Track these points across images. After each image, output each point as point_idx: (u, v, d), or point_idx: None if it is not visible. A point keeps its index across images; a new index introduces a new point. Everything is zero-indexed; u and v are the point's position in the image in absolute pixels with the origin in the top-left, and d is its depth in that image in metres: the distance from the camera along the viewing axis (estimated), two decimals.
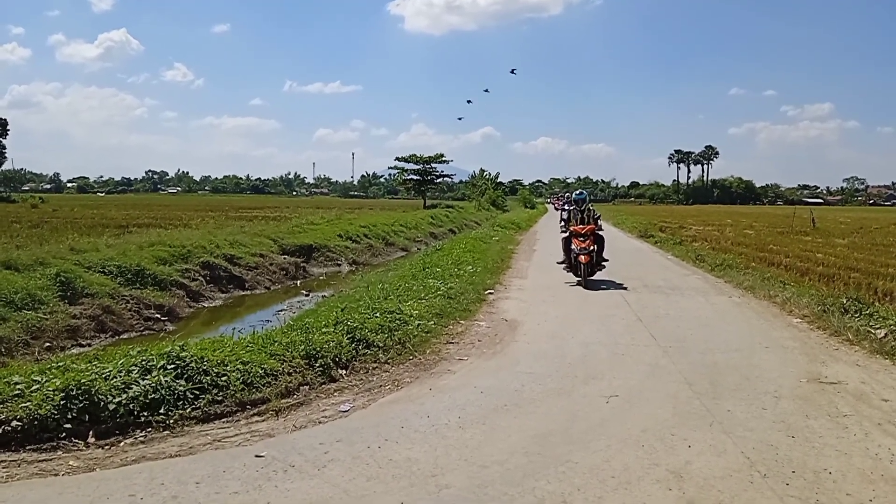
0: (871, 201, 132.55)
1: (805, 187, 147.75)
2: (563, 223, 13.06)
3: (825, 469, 4.14)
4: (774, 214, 53.70)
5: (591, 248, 12.13)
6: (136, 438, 4.70)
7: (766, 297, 10.61)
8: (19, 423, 4.49)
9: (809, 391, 5.77)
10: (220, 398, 5.27)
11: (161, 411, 4.94)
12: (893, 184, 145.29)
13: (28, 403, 4.61)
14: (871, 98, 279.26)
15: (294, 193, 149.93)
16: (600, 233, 12.56)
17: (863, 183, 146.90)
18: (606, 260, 12.65)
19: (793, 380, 6.11)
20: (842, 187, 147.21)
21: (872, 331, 7.61)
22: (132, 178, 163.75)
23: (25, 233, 19.65)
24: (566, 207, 22.48)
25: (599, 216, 12.67)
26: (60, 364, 5.40)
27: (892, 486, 3.90)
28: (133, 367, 5.25)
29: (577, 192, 13.30)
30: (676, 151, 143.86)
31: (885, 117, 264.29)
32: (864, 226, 34.53)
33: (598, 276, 12.40)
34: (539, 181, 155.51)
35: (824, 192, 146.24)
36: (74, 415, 4.66)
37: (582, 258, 11.97)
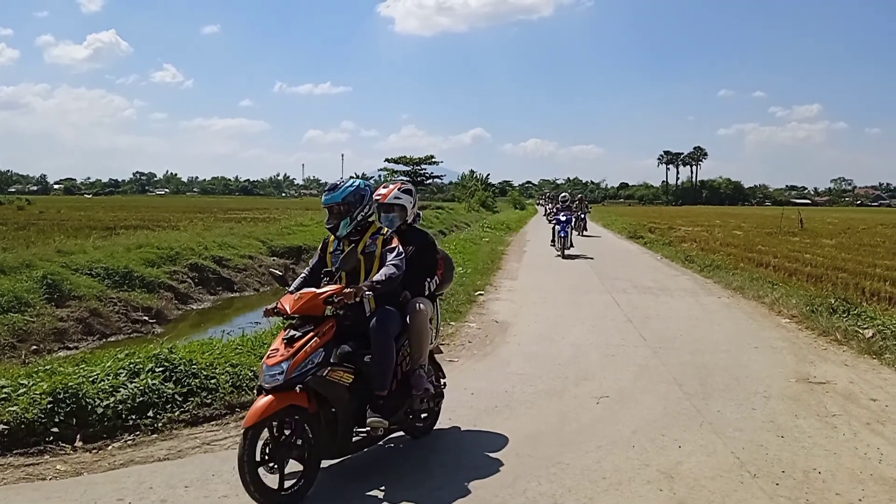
0: (859, 202, 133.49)
1: (793, 188, 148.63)
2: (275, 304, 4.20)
3: (815, 469, 4.16)
4: (763, 215, 54.00)
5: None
6: (124, 442, 4.66)
7: (755, 297, 10.67)
8: (6, 427, 4.44)
9: (798, 391, 5.81)
10: (208, 401, 5.23)
11: (149, 414, 4.90)
12: (881, 184, 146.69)
13: (15, 407, 4.56)
14: (860, 99, 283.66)
15: (283, 195, 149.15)
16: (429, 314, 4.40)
17: (850, 184, 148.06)
18: (435, 405, 4.69)
19: (782, 380, 6.15)
20: (829, 188, 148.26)
21: (860, 331, 7.66)
22: (120, 180, 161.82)
23: (12, 235, 19.44)
24: (560, 217, 20.23)
25: (443, 256, 4.85)
26: (47, 367, 5.36)
27: (881, 486, 3.93)
28: (121, 370, 5.20)
29: (331, 187, 4.28)
30: (665, 152, 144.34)
31: (873, 118, 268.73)
32: (851, 226, 34.78)
33: None
34: (529, 182, 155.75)
35: (812, 192, 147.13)
36: (62, 418, 4.62)
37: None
